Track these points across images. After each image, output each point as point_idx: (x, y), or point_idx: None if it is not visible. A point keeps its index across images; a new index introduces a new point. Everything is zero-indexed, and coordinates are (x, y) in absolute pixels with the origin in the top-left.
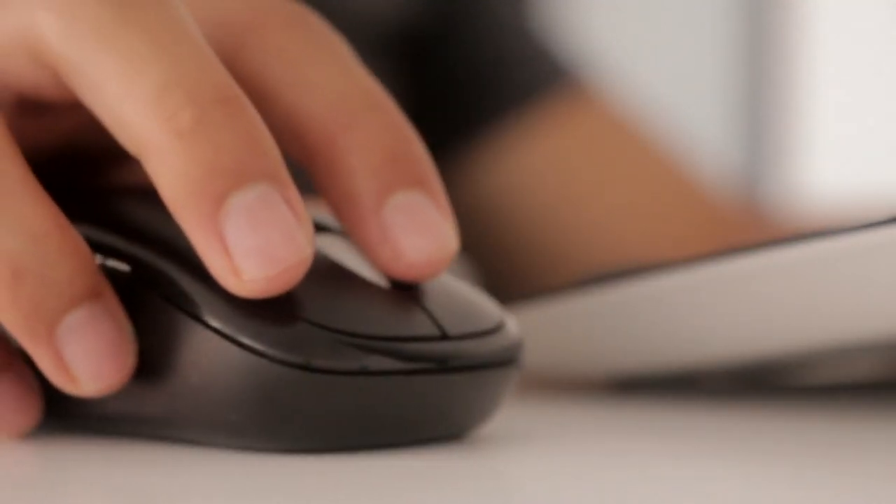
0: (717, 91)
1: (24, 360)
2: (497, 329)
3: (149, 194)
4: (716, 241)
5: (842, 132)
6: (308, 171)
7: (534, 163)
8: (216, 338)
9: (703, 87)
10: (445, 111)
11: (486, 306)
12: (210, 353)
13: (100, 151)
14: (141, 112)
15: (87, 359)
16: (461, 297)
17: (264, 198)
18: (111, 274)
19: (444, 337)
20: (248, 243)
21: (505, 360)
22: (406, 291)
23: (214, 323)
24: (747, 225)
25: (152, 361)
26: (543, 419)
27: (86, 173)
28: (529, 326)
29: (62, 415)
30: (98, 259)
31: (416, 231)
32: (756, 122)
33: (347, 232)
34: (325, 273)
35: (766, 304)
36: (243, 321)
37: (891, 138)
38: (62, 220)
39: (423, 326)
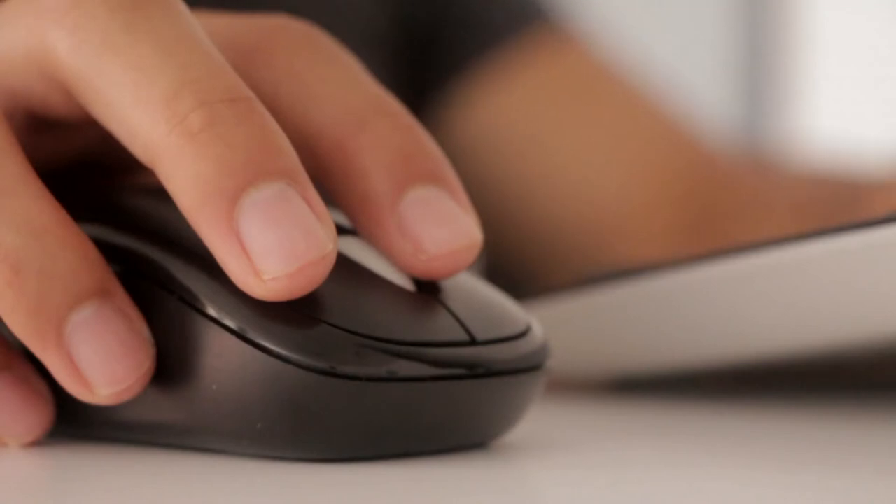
0: (713, 34)
1: (39, 371)
2: (525, 333)
3: (159, 193)
4: (697, 185)
5: (841, 76)
6: (323, 182)
7: (509, 105)
8: (238, 342)
9: (698, 31)
10: (423, 54)
11: (511, 310)
12: (232, 359)
13: (108, 167)
14: (151, 118)
15: (99, 360)
16: (486, 300)
17: (281, 195)
18: (126, 278)
19: (473, 342)
20: (266, 239)
21: (533, 366)
22: (431, 294)
23: (235, 326)
24: (740, 170)
25: (170, 367)
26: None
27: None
28: None
29: (75, 422)
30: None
31: (435, 223)
32: (754, 66)
33: (366, 234)
34: (349, 276)
35: (767, 304)
36: (265, 324)
37: (891, 83)
38: (64, 215)
39: (451, 331)
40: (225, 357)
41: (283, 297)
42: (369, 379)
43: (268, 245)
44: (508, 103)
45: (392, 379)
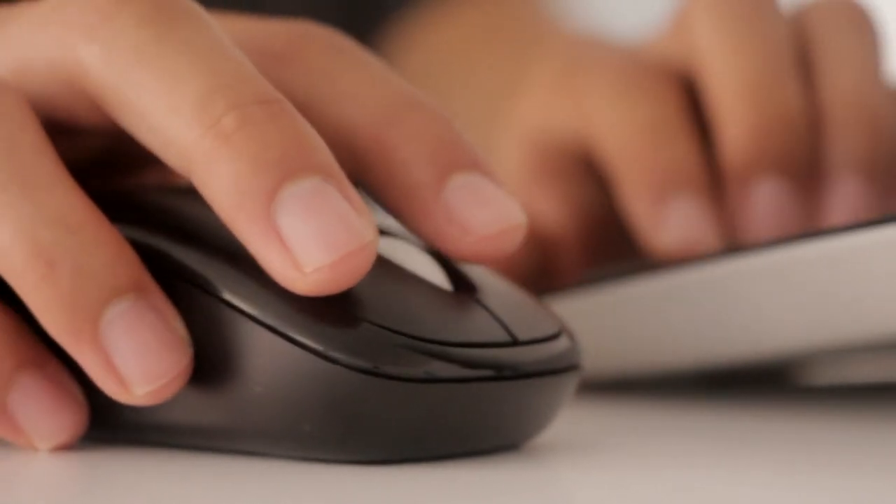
0: None
1: (74, 374)
2: (560, 333)
3: (190, 194)
4: None
5: None
6: (363, 177)
7: (441, 42)
8: (282, 342)
9: None
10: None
11: (543, 310)
12: (278, 359)
13: (114, 170)
14: (184, 124)
15: (135, 355)
16: (520, 300)
17: (317, 188)
18: (164, 281)
19: (515, 343)
20: (306, 231)
21: (571, 365)
22: (470, 295)
23: (279, 326)
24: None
25: (212, 369)
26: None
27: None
28: None
29: (111, 426)
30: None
31: (480, 206)
32: None
33: (411, 224)
34: (390, 277)
35: (767, 303)
36: (308, 323)
37: None
38: (98, 213)
39: (493, 332)
40: (269, 358)
41: (325, 290)
42: (413, 380)
43: (307, 236)
44: (441, 41)
45: (437, 380)
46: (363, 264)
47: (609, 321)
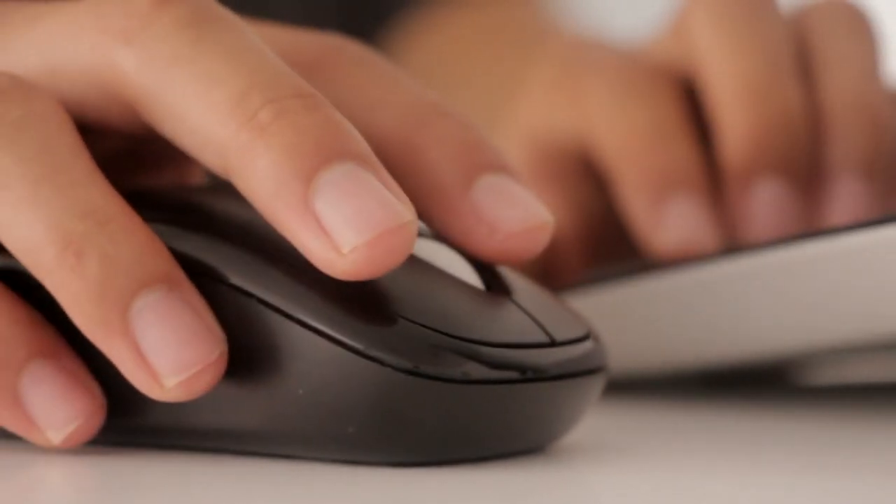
0: None
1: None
2: (590, 333)
3: (223, 194)
4: None
5: None
6: None
7: (441, 43)
8: (326, 343)
9: None
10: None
11: (571, 311)
12: (322, 361)
13: (143, 170)
14: (221, 122)
15: (166, 345)
16: (551, 302)
17: (353, 173)
18: (200, 282)
19: (553, 343)
20: (343, 212)
21: (602, 366)
22: (505, 295)
23: (319, 325)
24: None
25: (250, 371)
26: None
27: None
28: None
29: (145, 430)
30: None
31: (507, 206)
32: None
33: (439, 224)
34: (429, 278)
35: (767, 303)
36: (348, 321)
37: None
38: (128, 208)
39: (531, 332)
40: (311, 359)
41: (364, 271)
42: (453, 380)
43: (344, 217)
44: (442, 42)
45: (478, 381)
46: (402, 244)
47: (609, 321)
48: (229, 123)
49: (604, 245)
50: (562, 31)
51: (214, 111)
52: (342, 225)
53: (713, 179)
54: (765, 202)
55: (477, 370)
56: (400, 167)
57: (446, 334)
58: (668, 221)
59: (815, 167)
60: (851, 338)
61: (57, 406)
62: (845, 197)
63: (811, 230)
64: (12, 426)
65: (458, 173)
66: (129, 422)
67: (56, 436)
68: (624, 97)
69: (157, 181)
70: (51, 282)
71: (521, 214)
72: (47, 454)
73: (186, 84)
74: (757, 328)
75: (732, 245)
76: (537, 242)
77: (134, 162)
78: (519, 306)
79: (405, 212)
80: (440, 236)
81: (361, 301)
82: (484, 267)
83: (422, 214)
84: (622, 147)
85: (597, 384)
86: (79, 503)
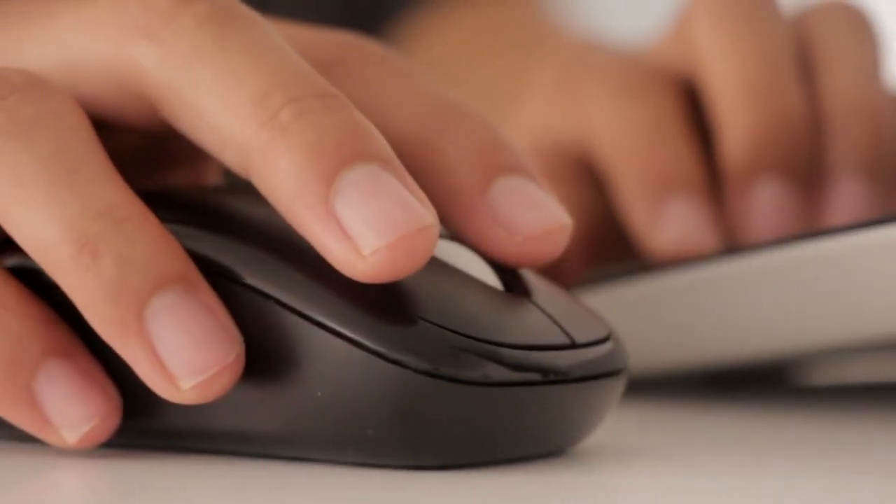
0: None
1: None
2: (611, 335)
3: (240, 195)
4: None
5: None
6: None
7: (442, 42)
8: (345, 345)
9: None
10: None
11: (591, 312)
12: (341, 363)
13: (156, 169)
14: (242, 120)
15: (182, 347)
16: (570, 303)
17: (374, 174)
18: (216, 282)
19: (573, 345)
20: (364, 213)
21: (624, 368)
22: (525, 297)
23: (338, 327)
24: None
25: (267, 373)
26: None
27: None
28: None
29: (160, 433)
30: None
31: (526, 207)
32: None
33: (457, 225)
34: (449, 279)
35: (767, 303)
36: (368, 322)
37: None
38: (144, 208)
39: (551, 334)
40: (330, 360)
41: (385, 274)
42: (473, 383)
43: (365, 220)
44: (442, 43)
45: (499, 384)
46: (423, 247)
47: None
48: (250, 123)
49: (603, 246)
50: (562, 31)
51: (235, 110)
52: (363, 227)
53: (713, 180)
54: (765, 202)
55: (497, 372)
56: (418, 167)
57: (466, 336)
58: (667, 222)
59: (816, 167)
60: (851, 338)
61: (72, 405)
62: (846, 197)
63: (811, 230)
64: (27, 426)
65: (476, 175)
66: (144, 424)
67: (71, 436)
68: (623, 99)
69: (172, 180)
70: (66, 281)
71: (539, 217)
72: (63, 457)
73: (207, 82)
74: (757, 328)
75: (732, 245)
76: (556, 245)
77: (148, 160)
78: (539, 307)
79: (427, 214)
80: (458, 237)
81: (381, 302)
82: (502, 268)
83: (439, 215)
84: (621, 148)
85: (618, 386)
86: None
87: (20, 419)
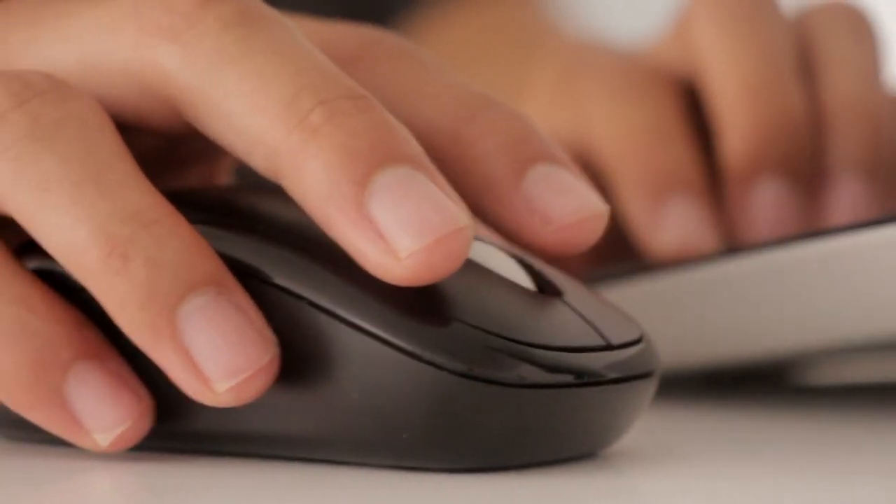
0: None
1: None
2: (643, 336)
3: (269, 193)
4: None
5: None
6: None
7: (441, 47)
8: (381, 347)
9: None
10: None
11: (623, 313)
12: (377, 365)
13: (171, 169)
14: (271, 122)
15: (216, 349)
16: (603, 304)
17: (408, 176)
18: (248, 284)
19: (609, 347)
20: (399, 216)
21: (655, 370)
22: (558, 298)
23: (374, 328)
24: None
25: (302, 376)
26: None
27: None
28: None
29: (184, 433)
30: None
31: (560, 195)
32: None
33: (491, 217)
34: (480, 278)
35: (767, 303)
36: (404, 324)
37: None
38: (173, 210)
39: (586, 335)
40: (365, 363)
41: (421, 277)
42: (509, 384)
43: (401, 222)
44: (443, 43)
45: (535, 385)
46: (459, 249)
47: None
48: (280, 125)
49: (603, 246)
50: (562, 31)
51: (264, 112)
52: (399, 229)
53: (713, 180)
54: (765, 202)
55: (532, 373)
56: (448, 161)
57: (502, 337)
58: (667, 222)
59: (816, 168)
60: (851, 338)
61: (104, 408)
62: (846, 197)
63: (811, 230)
64: (58, 429)
65: (509, 165)
66: (175, 426)
67: (103, 439)
68: (623, 99)
69: (182, 181)
70: (95, 285)
71: (574, 204)
72: (94, 459)
73: (234, 84)
74: (757, 328)
75: (732, 245)
76: (592, 232)
77: (160, 161)
78: (572, 308)
79: (462, 216)
80: (490, 238)
81: (414, 303)
82: (534, 269)
83: (473, 208)
84: (621, 148)
85: (651, 388)
86: None
87: (51, 423)
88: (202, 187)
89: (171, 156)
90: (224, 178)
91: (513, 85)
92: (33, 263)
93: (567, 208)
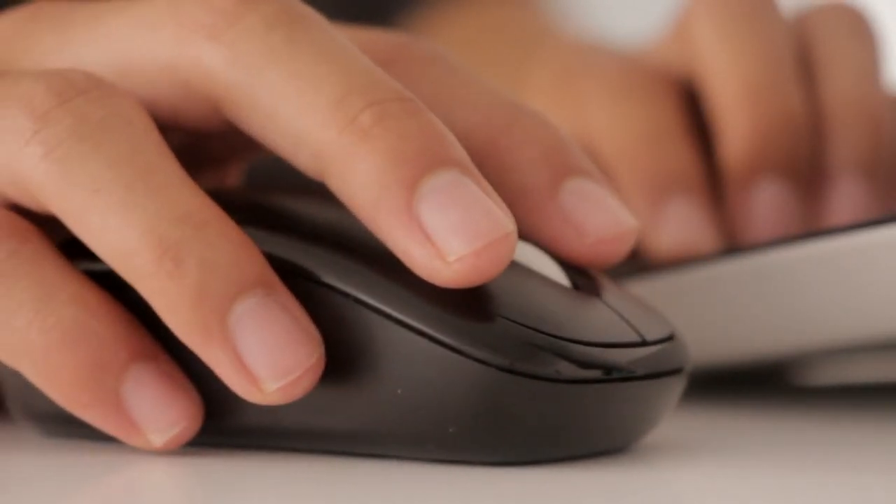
0: None
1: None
2: (674, 333)
3: (311, 195)
4: None
5: None
6: None
7: (447, 39)
8: (427, 342)
9: None
10: None
11: (654, 310)
12: (422, 360)
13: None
14: (320, 123)
15: (266, 350)
16: (637, 302)
17: (457, 181)
18: (294, 282)
19: (644, 343)
20: (449, 220)
21: (686, 365)
22: (595, 295)
23: (420, 325)
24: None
25: (348, 370)
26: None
27: None
28: None
29: (232, 429)
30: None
31: (595, 210)
32: None
33: (526, 225)
34: (520, 275)
35: (767, 303)
36: (449, 320)
37: None
38: (221, 212)
39: (623, 332)
40: (409, 358)
41: (468, 280)
42: (550, 379)
43: (450, 226)
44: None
45: (575, 381)
46: (505, 254)
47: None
48: (329, 126)
49: None
50: (563, 32)
51: (313, 113)
52: (448, 233)
53: (713, 181)
54: (765, 202)
55: (569, 369)
56: (485, 166)
57: (544, 333)
58: (667, 223)
59: (816, 168)
60: (851, 338)
61: (160, 409)
62: (846, 197)
63: (811, 230)
64: (114, 429)
65: (545, 175)
66: (223, 423)
67: (158, 439)
68: (623, 100)
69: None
70: (146, 287)
71: (609, 219)
72: (144, 453)
73: (281, 84)
74: (757, 328)
75: (732, 245)
76: (624, 247)
77: (190, 160)
78: (609, 305)
79: (508, 222)
80: (526, 236)
81: (459, 300)
82: (570, 266)
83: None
84: (621, 149)
85: (681, 383)
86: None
87: (106, 423)
88: (239, 188)
89: (188, 158)
90: (233, 180)
91: (513, 85)
92: (82, 265)
93: (603, 223)
